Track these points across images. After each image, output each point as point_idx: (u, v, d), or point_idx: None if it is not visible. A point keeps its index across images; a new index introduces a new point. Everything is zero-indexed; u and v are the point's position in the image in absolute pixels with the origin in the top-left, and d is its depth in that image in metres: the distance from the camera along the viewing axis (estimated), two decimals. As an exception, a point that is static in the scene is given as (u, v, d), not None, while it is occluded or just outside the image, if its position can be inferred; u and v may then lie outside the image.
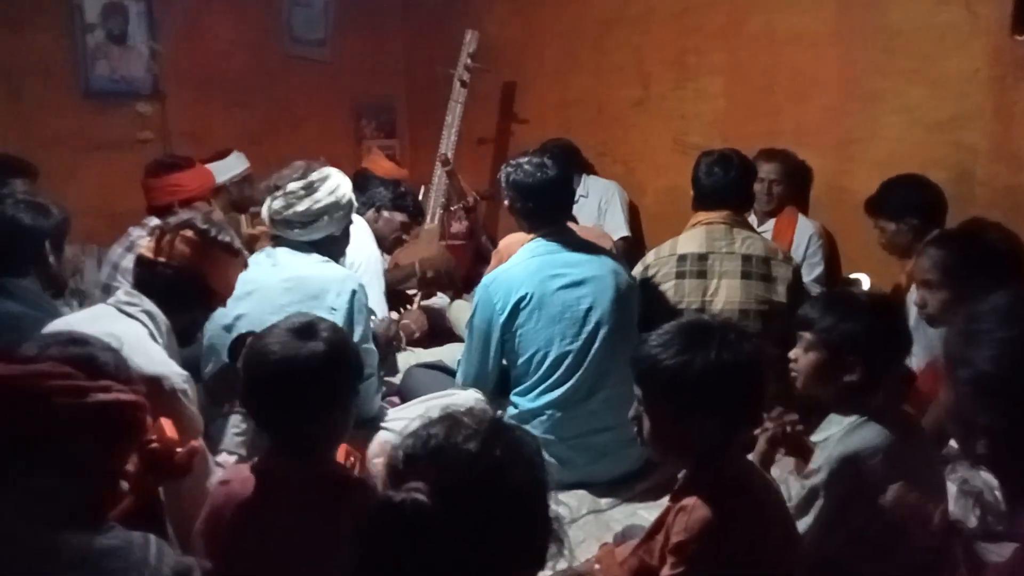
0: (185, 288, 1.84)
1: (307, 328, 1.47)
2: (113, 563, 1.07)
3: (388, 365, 2.59)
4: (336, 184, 2.31)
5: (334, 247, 2.36)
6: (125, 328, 1.69)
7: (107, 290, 2.74)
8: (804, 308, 1.81)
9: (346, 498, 1.41)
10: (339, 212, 2.31)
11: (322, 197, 2.26)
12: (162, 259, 1.83)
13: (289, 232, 2.29)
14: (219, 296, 1.93)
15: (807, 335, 1.76)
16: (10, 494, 1.07)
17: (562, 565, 1.03)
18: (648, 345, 1.43)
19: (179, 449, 1.36)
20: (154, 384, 1.61)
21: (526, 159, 2.51)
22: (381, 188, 3.39)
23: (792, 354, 1.79)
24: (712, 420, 1.41)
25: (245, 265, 1.99)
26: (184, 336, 1.91)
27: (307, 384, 1.42)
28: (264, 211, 2.33)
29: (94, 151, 3.85)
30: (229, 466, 1.81)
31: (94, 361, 1.15)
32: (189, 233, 1.84)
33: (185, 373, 1.74)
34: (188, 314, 1.90)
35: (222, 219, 2.41)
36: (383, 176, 3.59)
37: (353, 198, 2.38)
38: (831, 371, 1.72)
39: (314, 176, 2.28)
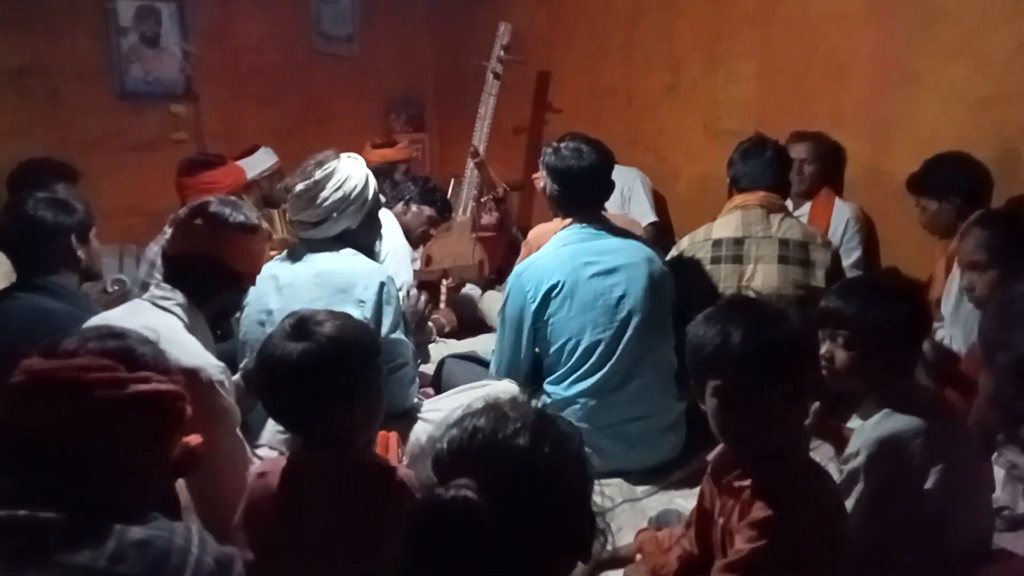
0: (209, 275, 1.84)
1: (299, 327, 1.45)
2: (157, 552, 1.07)
3: (422, 354, 2.57)
4: (342, 179, 2.25)
5: (358, 240, 2.32)
6: (161, 321, 1.71)
7: (145, 287, 2.77)
8: (833, 302, 1.72)
9: (379, 488, 1.42)
10: (349, 207, 2.26)
11: (328, 195, 2.22)
12: (182, 250, 1.84)
13: (306, 231, 2.30)
14: (246, 275, 1.93)
15: (843, 332, 1.68)
16: (53, 485, 1.08)
17: (605, 557, 1.02)
18: (706, 328, 1.41)
19: (182, 446, 1.36)
20: (191, 376, 1.60)
21: (564, 144, 2.48)
22: (410, 183, 3.40)
23: (825, 351, 1.70)
24: (781, 395, 1.38)
25: (268, 237, 1.98)
26: (220, 319, 1.92)
27: (308, 383, 1.40)
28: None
29: (129, 152, 3.92)
30: (266, 459, 1.82)
31: (133, 353, 1.16)
32: (199, 221, 1.83)
33: (222, 364, 1.75)
34: (219, 298, 1.90)
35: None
36: (379, 163, 3.59)
37: (367, 187, 2.31)
38: (870, 365, 1.68)
39: (318, 175, 2.23)
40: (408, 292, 2.63)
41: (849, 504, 1.62)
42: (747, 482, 1.40)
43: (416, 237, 3.35)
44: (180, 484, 1.41)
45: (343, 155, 2.32)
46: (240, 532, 1.47)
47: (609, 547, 1.01)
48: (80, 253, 2.21)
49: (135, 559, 1.06)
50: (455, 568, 0.89)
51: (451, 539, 0.89)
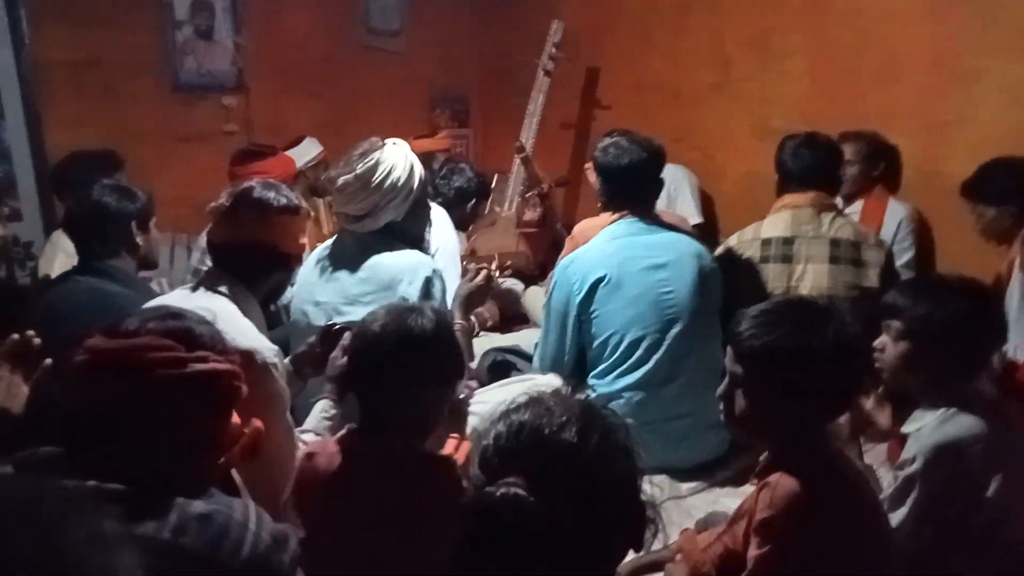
0: (258, 259, 1.88)
1: (414, 308, 1.56)
2: (217, 526, 1.10)
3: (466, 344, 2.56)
4: (386, 170, 2.19)
5: (406, 231, 2.30)
6: (217, 304, 1.74)
7: (197, 275, 2.84)
8: (891, 295, 1.73)
9: (432, 478, 1.44)
10: (394, 199, 2.22)
11: (373, 187, 2.19)
12: (229, 237, 1.87)
13: (351, 224, 2.29)
14: (293, 256, 1.96)
15: (896, 323, 1.68)
16: (117, 460, 1.11)
17: (657, 546, 1.01)
18: (754, 322, 1.39)
19: (245, 430, 1.38)
20: (246, 358, 1.61)
21: (614, 141, 2.47)
22: (459, 177, 3.40)
23: (878, 343, 1.70)
24: (815, 400, 1.37)
25: (309, 216, 2.00)
26: (271, 300, 1.96)
27: (417, 357, 1.49)
28: None
29: (182, 143, 3.99)
30: (314, 441, 1.84)
31: (191, 333, 1.19)
32: (245, 207, 1.86)
33: (275, 347, 1.78)
34: (269, 281, 1.94)
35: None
36: (418, 153, 3.59)
37: (412, 177, 2.26)
38: (923, 361, 1.65)
39: (360, 168, 2.19)
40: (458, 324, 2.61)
41: (903, 511, 1.59)
42: (776, 476, 1.37)
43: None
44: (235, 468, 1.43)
45: (387, 143, 2.28)
46: (290, 510, 1.50)
47: (660, 536, 1.00)
48: (139, 240, 2.27)
49: (197, 532, 1.08)
50: (511, 566, 0.89)
51: (504, 538, 0.89)
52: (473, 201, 3.43)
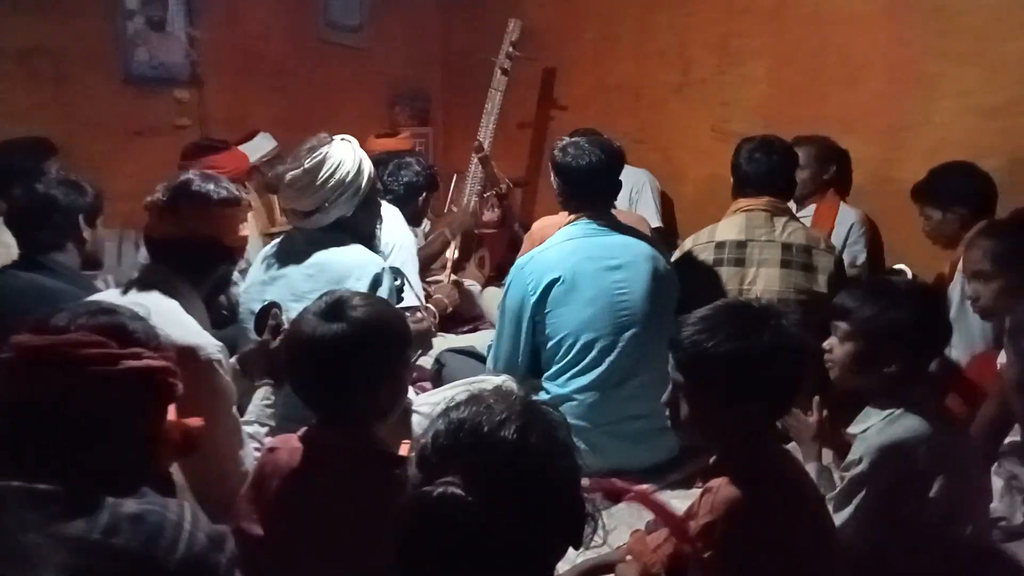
0: (199, 253, 1.83)
1: (334, 308, 1.48)
2: (150, 526, 1.07)
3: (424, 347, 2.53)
4: (333, 166, 2.18)
5: (357, 228, 2.27)
6: (157, 301, 1.69)
7: (144, 271, 2.77)
8: (840, 296, 1.75)
9: (386, 475, 1.40)
10: (343, 195, 2.20)
11: (320, 184, 2.17)
12: (169, 233, 1.81)
13: (299, 221, 2.26)
14: (235, 248, 1.91)
15: (843, 325, 1.70)
16: (46, 459, 1.08)
17: (596, 542, 1.00)
18: (693, 329, 1.39)
19: (181, 428, 1.35)
20: (189, 354, 1.61)
21: (573, 141, 2.46)
22: (407, 171, 3.37)
23: (827, 344, 1.73)
24: (757, 405, 1.37)
25: (249, 207, 1.94)
26: (216, 294, 1.91)
27: (338, 364, 1.43)
28: None
29: (133, 137, 3.90)
30: (255, 435, 1.81)
31: (124, 329, 1.16)
32: (184, 200, 1.80)
33: (219, 343, 1.74)
34: (211, 274, 1.89)
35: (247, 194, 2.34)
36: (380, 153, 3.55)
37: (361, 173, 2.24)
38: (869, 362, 1.67)
39: (308, 163, 2.16)
40: (414, 311, 2.57)
41: (848, 511, 1.61)
42: (717, 481, 1.38)
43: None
44: (174, 465, 1.40)
45: (336, 139, 2.26)
46: (247, 505, 1.48)
47: (600, 532, 1.00)
48: (86, 235, 2.21)
49: (129, 532, 1.06)
50: (447, 565, 0.88)
51: (441, 537, 0.88)
52: (424, 195, 3.39)
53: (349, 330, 1.44)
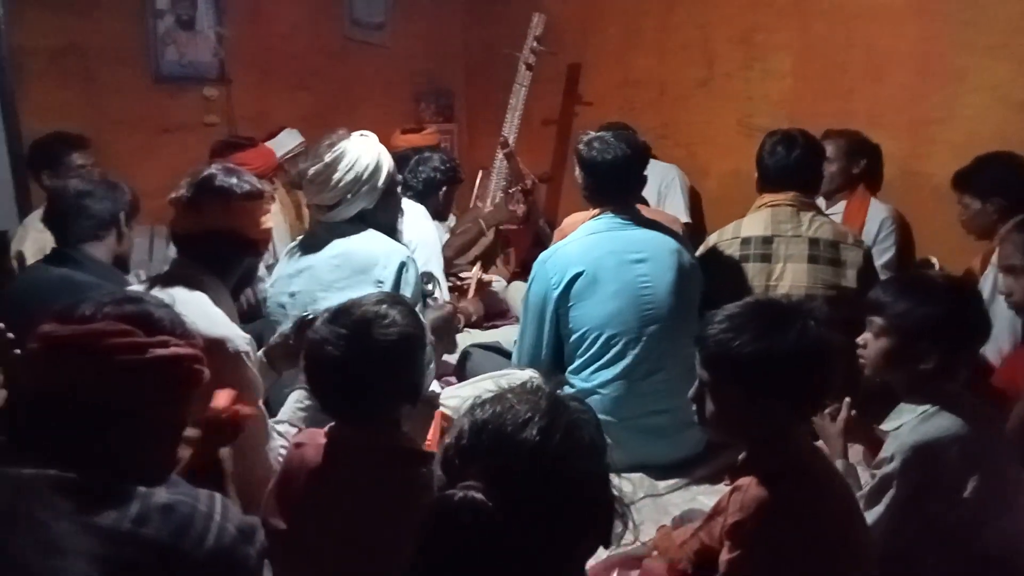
0: (226, 247, 1.85)
1: (349, 324, 1.45)
2: (180, 517, 1.08)
3: (447, 344, 2.56)
4: (353, 160, 2.22)
5: (378, 219, 2.30)
6: (185, 295, 1.72)
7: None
8: (875, 292, 1.73)
9: (409, 473, 1.41)
10: (363, 187, 2.24)
11: (340, 177, 2.21)
12: (194, 228, 1.83)
13: (323, 215, 2.30)
14: (259, 241, 1.92)
15: (878, 320, 1.67)
16: (76, 449, 1.08)
17: (627, 540, 0.99)
18: (719, 326, 1.38)
19: (224, 415, 1.36)
20: (218, 346, 1.63)
21: (599, 135, 2.46)
22: (425, 171, 3.37)
23: (861, 339, 1.70)
24: (783, 403, 1.36)
25: (272, 199, 1.95)
26: (242, 286, 1.93)
27: (355, 379, 1.43)
28: None
29: (162, 134, 3.94)
30: (286, 434, 1.83)
31: (150, 318, 1.16)
32: (208, 196, 1.82)
33: (247, 336, 1.76)
34: (238, 267, 1.91)
35: (273, 189, 2.35)
36: (406, 148, 3.56)
37: (380, 167, 2.27)
38: (904, 358, 1.64)
39: (328, 157, 2.22)
40: (436, 296, 2.58)
41: (879, 509, 1.59)
42: (747, 480, 1.37)
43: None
44: (224, 452, 1.42)
45: (355, 135, 2.30)
46: (272, 500, 1.49)
47: (630, 531, 0.99)
48: (125, 231, 2.25)
49: (159, 523, 1.06)
50: (469, 569, 0.87)
51: (462, 543, 0.87)
52: (444, 189, 3.40)
53: (364, 350, 1.43)
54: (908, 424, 1.64)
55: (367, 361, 1.43)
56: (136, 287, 1.91)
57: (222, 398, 1.42)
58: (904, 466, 1.57)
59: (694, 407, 1.45)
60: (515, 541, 0.86)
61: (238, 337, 1.72)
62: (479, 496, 0.86)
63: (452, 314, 2.47)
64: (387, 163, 2.32)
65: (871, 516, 1.58)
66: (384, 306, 1.49)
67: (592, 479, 0.94)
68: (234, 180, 1.84)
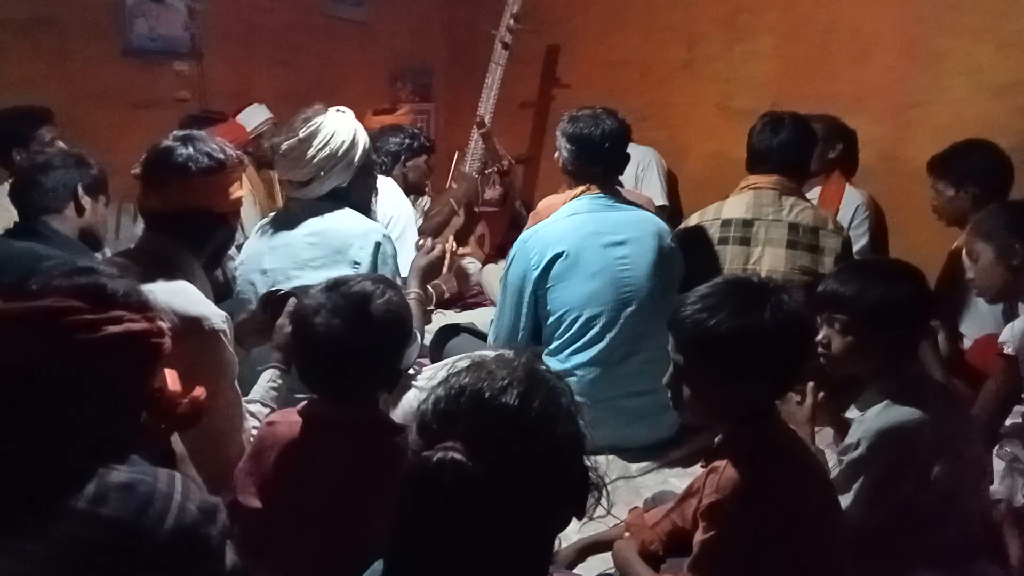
0: (195, 222, 1.78)
1: (341, 300, 1.47)
2: (140, 496, 1.05)
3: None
4: (328, 135, 2.17)
5: (352, 197, 2.26)
6: (160, 272, 1.67)
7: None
8: (831, 285, 1.66)
9: (386, 447, 1.42)
10: (337, 164, 2.19)
11: (315, 153, 2.15)
12: (159, 206, 1.76)
13: (296, 191, 2.25)
14: (229, 212, 1.86)
15: (840, 317, 1.63)
16: (31, 427, 1.05)
17: (599, 514, 0.98)
18: (692, 307, 1.36)
19: (183, 400, 1.32)
20: (194, 324, 1.60)
21: (583, 112, 2.43)
22: (394, 140, 3.34)
23: (822, 337, 1.65)
24: (759, 384, 1.35)
25: (240, 163, 1.87)
26: (216, 260, 1.90)
27: (342, 356, 1.45)
28: None
29: (134, 109, 3.86)
30: (258, 414, 1.80)
31: (103, 290, 1.11)
32: (167, 173, 1.74)
33: (224, 314, 1.72)
34: (211, 240, 1.85)
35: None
36: (377, 129, 3.52)
37: (355, 144, 2.23)
38: (872, 348, 1.62)
39: (303, 132, 2.16)
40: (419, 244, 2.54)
41: (850, 495, 1.58)
42: (723, 461, 1.36)
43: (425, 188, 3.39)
44: (175, 435, 1.38)
45: (331, 110, 2.25)
46: (244, 477, 1.48)
47: (604, 504, 0.98)
48: (85, 204, 2.18)
49: (117, 502, 1.04)
50: (449, 531, 0.87)
51: (440, 501, 0.86)
52: (409, 159, 3.35)
53: (360, 325, 1.45)
54: (873, 409, 1.63)
55: (364, 332, 1.44)
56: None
57: (171, 379, 1.37)
58: (870, 451, 1.57)
59: (669, 392, 1.43)
60: (492, 502, 0.86)
61: (214, 315, 1.68)
62: (459, 456, 0.85)
63: (441, 255, 2.43)
64: (363, 140, 2.27)
65: (842, 502, 1.56)
66: (381, 286, 1.52)
67: (569, 446, 0.94)
68: (191, 151, 1.74)
